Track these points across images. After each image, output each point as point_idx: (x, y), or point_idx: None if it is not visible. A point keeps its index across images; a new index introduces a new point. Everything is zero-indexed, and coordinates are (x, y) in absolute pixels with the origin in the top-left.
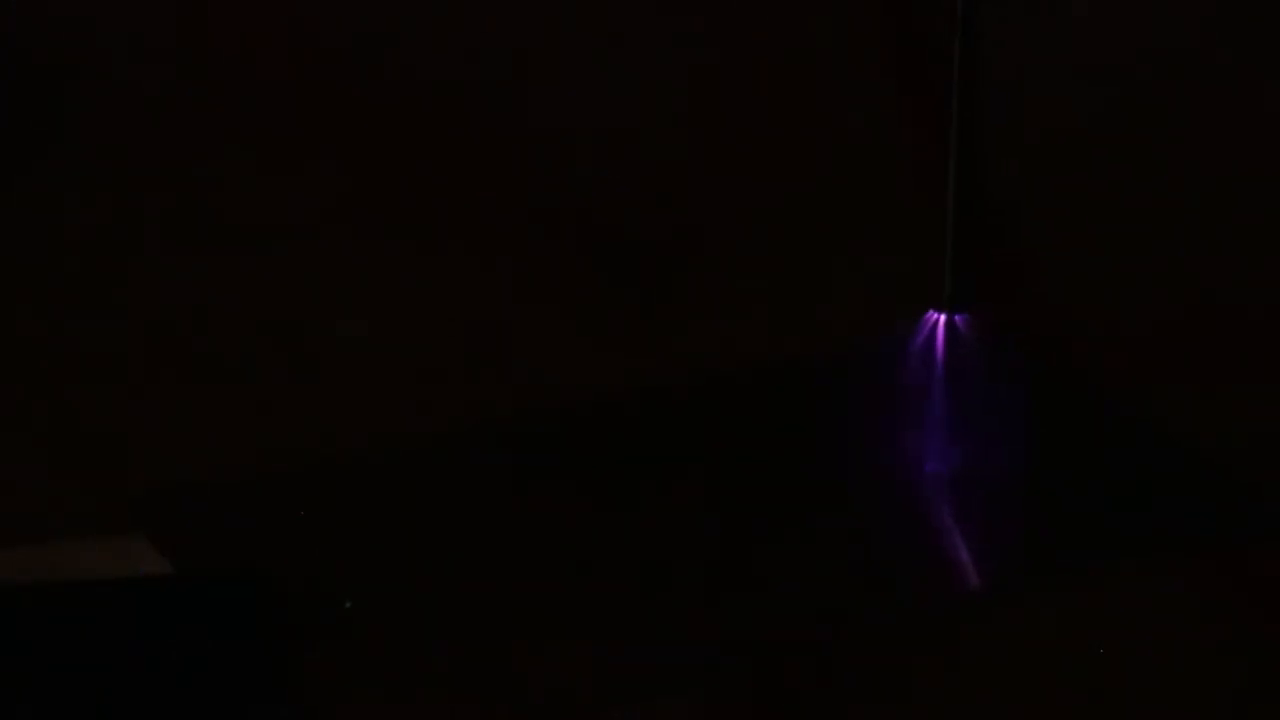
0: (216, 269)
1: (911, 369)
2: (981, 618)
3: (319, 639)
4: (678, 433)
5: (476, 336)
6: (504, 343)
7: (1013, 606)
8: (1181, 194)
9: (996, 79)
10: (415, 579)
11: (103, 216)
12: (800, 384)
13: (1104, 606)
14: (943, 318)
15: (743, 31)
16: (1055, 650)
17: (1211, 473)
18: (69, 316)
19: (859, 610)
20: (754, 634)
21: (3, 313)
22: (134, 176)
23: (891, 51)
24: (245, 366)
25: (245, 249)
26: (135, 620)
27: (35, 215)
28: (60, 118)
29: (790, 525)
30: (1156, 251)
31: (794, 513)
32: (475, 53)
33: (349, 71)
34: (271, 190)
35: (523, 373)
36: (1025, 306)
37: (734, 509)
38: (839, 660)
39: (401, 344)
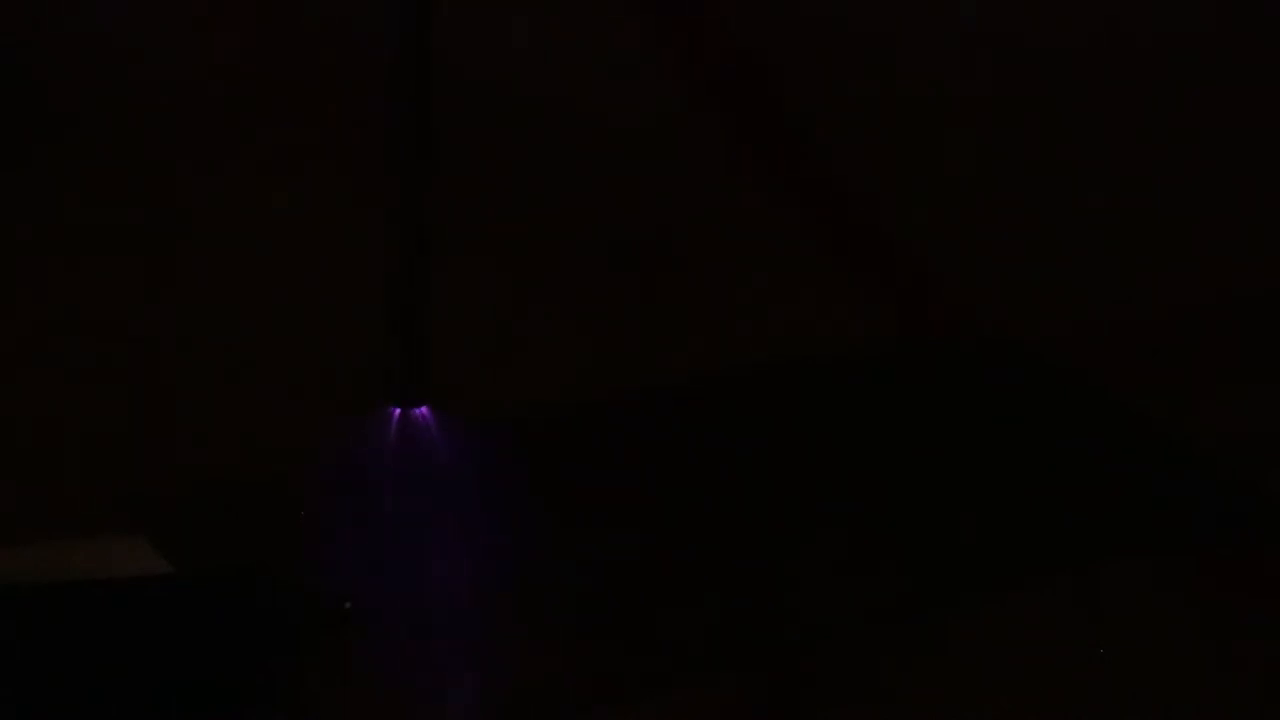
0: (216, 268)
1: (368, 466)
2: (980, 618)
3: (319, 639)
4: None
5: (476, 336)
6: (504, 342)
7: (1010, 606)
8: (1179, 192)
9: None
10: (415, 579)
11: (100, 215)
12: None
13: (1102, 607)
14: (399, 412)
15: None
16: (1053, 651)
17: (1210, 473)
18: (68, 315)
19: None
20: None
21: (1, 310)
22: (133, 176)
23: None
24: (245, 366)
25: (244, 248)
26: (135, 620)
27: (32, 213)
28: (57, 116)
29: None
30: (1152, 251)
31: None
32: (472, 50)
33: (348, 70)
34: (270, 191)
35: (522, 372)
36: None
37: None
38: (837, 660)
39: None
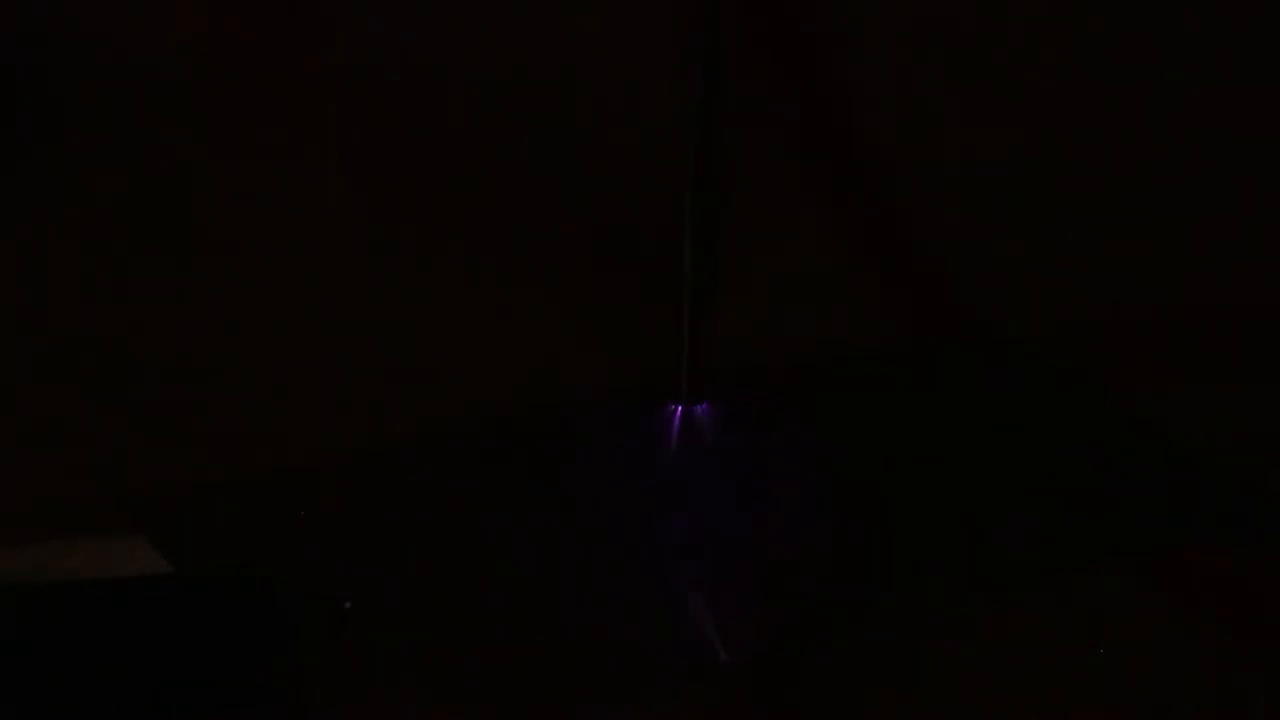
0: (215, 269)
1: (650, 459)
2: (980, 618)
3: (319, 639)
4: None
5: (476, 337)
6: (504, 343)
7: (1010, 606)
8: (1179, 192)
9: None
10: (415, 579)
11: (101, 217)
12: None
13: (1102, 607)
14: (681, 409)
15: None
16: (1053, 651)
17: (1210, 473)
18: (68, 316)
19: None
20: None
21: (1, 312)
22: (133, 177)
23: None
24: (245, 367)
25: (243, 249)
26: (135, 620)
27: (34, 214)
28: (59, 117)
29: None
30: (1146, 250)
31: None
32: (474, 50)
33: (348, 71)
34: (269, 190)
35: (523, 373)
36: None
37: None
38: (838, 660)
39: (401, 344)
